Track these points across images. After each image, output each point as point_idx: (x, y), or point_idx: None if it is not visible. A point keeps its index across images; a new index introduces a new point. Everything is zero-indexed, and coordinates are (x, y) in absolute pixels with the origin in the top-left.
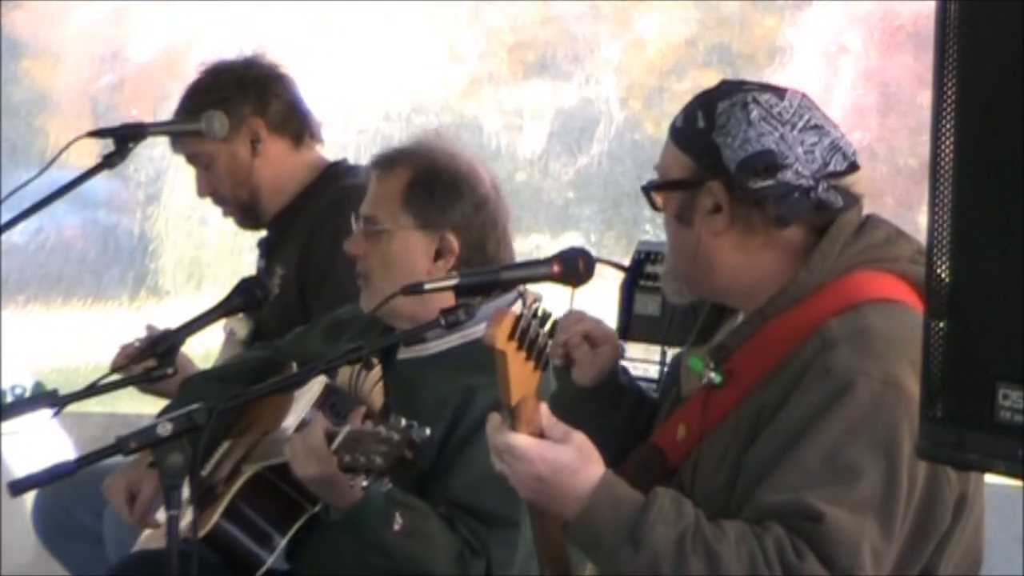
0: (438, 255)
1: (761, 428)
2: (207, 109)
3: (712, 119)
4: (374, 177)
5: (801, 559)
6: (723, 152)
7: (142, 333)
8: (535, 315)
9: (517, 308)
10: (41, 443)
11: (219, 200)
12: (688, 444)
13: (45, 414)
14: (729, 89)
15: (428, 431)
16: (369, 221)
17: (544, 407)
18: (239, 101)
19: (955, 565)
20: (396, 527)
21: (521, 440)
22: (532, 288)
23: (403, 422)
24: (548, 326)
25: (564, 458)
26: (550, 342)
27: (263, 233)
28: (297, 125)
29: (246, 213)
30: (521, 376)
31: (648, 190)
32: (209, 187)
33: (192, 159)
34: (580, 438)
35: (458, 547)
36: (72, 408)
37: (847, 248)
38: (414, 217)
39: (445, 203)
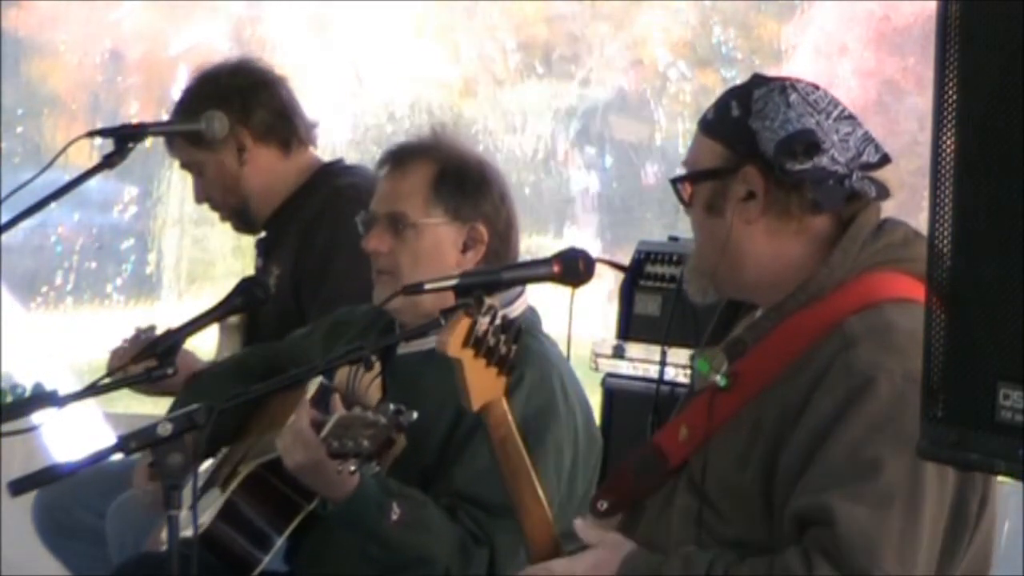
0: (466, 247)
1: (787, 429)
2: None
3: (748, 106)
4: (387, 174)
5: (810, 571)
6: (760, 135)
7: (131, 333)
8: (492, 321)
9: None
10: (87, 437)
11: (214, 206)
12: (690, 445)
13: (46, 414)
14: (762, 80)
15: (415, 414)
16: (394, 217)
17: (579, 522)
18: (223, 111)
19: (967, 565)
20: (394, 517)
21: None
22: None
23: (391, 407)
24: (513, 332)
25: (579, 569)
26: (515, 347)
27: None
28: (284, 131)
29: (239, 219)
30: (482, 382)
31: (678, 181)
32: (204, 194)
33: (186, 166)
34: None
35: (460, 536)
36: (121, 408)
37: (867, 247)
38: (445, 210)
39: (476, 194)
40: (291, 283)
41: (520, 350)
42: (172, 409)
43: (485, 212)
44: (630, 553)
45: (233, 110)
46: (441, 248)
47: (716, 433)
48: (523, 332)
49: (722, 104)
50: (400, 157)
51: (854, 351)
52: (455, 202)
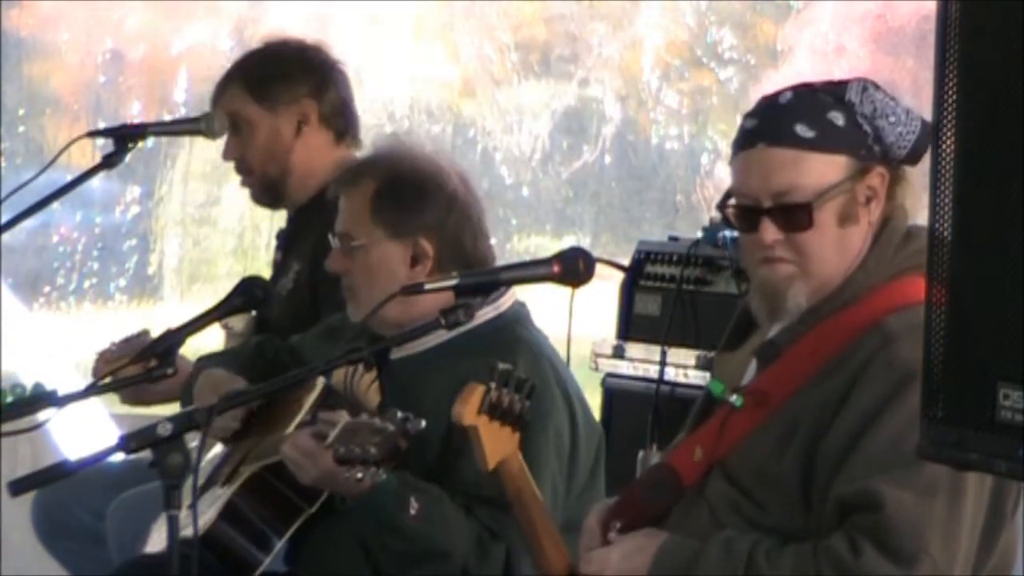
0: (414, 261)
1: (826, 422)
2: (268, 78)
3: (851, 111)
4: (342, 194)
5: (857, 556)
6: (885, 132)
7: (120, 336)
8: (506, 383)
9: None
10: (93, 437)
11: (243, 168)
12: (704, 465)
13: (46, 414)
14: (833, 86)
15: (423, 423)
16: (344, 238)
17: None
18: (300, 79)
19: (994, 564)
20: (412, 511)
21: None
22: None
23: (398, 413)
24: (527, 389)
25: (615, 557)
26: (528, 403)
27: (277, 227)
28: (343, 122)
29: (267, 190)
30: (497, 442)
31: (804, 208)
32: (236, 152)
33: (231, 119)
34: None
35: (476, 531)
36: (126, 408)
37: (899, 252)
38: (384, 228)
39: (413, 208)
40: (309, 281)
41: (514, 346)
42: (184, 395)
43: (427, 224)
44: (667, 539)
45: (310, 81)
46: (389, 265)
47: (751, 431)
48: (536, 388)
49: (815, 119)
50: (349, 176)
51: (895, 347)
52: (392, 219)
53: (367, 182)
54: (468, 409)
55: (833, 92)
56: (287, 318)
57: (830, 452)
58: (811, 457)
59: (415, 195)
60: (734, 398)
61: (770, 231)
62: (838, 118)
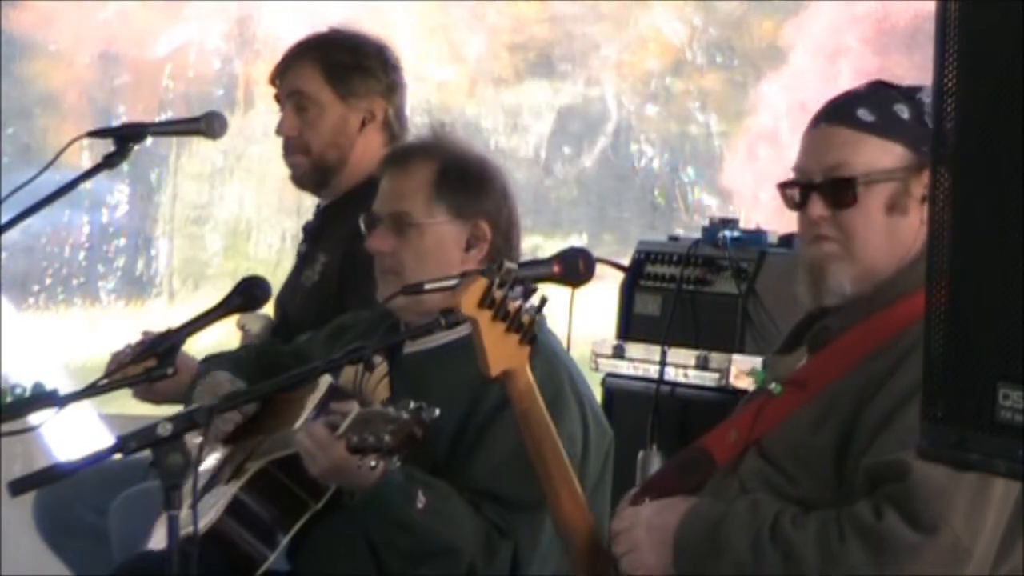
0: (469, 245)
1: (868, 397)
2: (349, 67)
3: (920, 108)
4: (389, 175)
5: (880, 518)
6: None
7: (136, 338)
8: (512, 286)
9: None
10: (83, 437)
11: (298, 147)
12: (739, 446)
13: (46, 414)
14: (908, 88)
15: (437, 411)
16: (397, 217)
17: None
18: (379, 76)
19: (1014, 564)
20: (420, 504)
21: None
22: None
23: (411, 403)
24: (536, 300)
25: (644, 513)
26: (538, 317)
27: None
28: (399, 128)
29: (319, 174)
30: (501, 347)
31: (853, 182)
32: (296, 130)
33: (294, 96)
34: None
35: (484, 528)
36: (116, 408)
37: None
38: (448, 207)
39: (478, 191)
40: (338, 273)
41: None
42: (187, 397)
43: (487, 209)
44: (697, 500)
45: (386, 81)
46: (444, 246)
47: (789, 414)
48: (546, 302)
49: (880, 106)
50: (402, 157)
51: None
52: (457, 200)
53: (426, 162)
54: (468, 298)
55: (905, 91)
56: (310, 310)
57: (868, 424)
58: (850, 429)
59: (479, 178)
60: (773, 386)
61: (817, 206)
62: (903, 111)
